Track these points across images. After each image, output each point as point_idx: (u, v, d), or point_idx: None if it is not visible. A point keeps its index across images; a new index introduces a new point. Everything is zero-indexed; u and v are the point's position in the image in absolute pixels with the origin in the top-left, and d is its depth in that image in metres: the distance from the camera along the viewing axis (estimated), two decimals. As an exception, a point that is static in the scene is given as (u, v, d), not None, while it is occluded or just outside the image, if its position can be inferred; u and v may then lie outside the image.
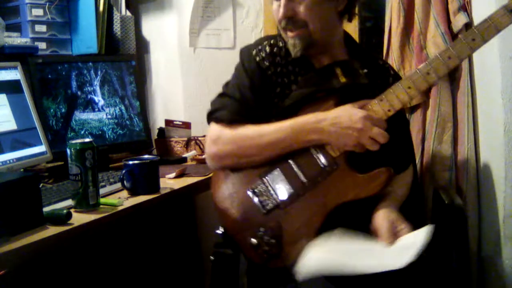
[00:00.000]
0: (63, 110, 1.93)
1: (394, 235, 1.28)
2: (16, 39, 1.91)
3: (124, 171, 1.59)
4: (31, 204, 1.28)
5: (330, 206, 1.34)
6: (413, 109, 1.93)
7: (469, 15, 1.77)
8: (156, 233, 2.11)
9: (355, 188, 1.35)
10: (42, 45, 2.02)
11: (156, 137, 2.26)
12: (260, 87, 1.45)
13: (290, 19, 1.39)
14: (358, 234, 1.28)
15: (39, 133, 1.75)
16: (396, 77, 1.54)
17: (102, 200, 1.48)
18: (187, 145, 2.20)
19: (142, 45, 2.41)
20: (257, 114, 1.44)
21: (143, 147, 2.19)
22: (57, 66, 1.94)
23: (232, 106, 1.45)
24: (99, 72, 2.06)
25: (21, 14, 1.99)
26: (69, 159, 1.42)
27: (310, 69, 1.47)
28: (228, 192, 1.45)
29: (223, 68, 2.49)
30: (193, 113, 2.40)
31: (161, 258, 2.14)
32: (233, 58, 2.55)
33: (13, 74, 1.73)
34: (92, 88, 2.04)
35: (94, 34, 2.11)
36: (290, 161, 1.40)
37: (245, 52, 1.51)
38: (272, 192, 1.39)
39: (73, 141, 1.42)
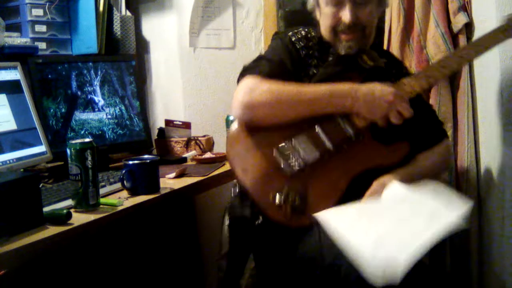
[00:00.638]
0: (63, 110, 1.93)
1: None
2: (16, 39, 1.91)
3: (124, 171, 1.59)
4: (31, 204, 1.28)
5: (353, 172, 1.43)
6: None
7: (469, 15, 1.77)
8: (156, 233, 2.11)
9: (377, 157, 1.45)
10: (42, 45, 2.02)
11: (156, 137, 2.26)
12: (294, 62, 1.54)
13: (352, 24, 1.49)
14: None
15: (39, 133, 1.75)
16: (407, 70, 1.69)
17: (102, 200, 1.48)
18: (187, 145, 2.20)
19: (142, 45, 2.41)
20: (287, 79, 1.48)
21: (143, 147, 2.19)
22: (57, 66, 1.94)
23: (269, 66, 1.51)
24: (99, 72, 2.06)
25: (21, 14, 1.99)
26: (69, 159, 1.42)
27: (335, 53, 1.56)
28: (252, 151, 1.47)
29: (223, 68, 2.51)
30: (193, 113, 2.40)
31: (161, 258, 2.14)
32: (233, 58, 2.58)
33: (13, 74, 1.73)
34: (92, 88, 2.04)
35: (94, 34, 2.11)
36: (317, 128, 1.46)
37: (282, 33, 1.63)
38: (298, 154, 1.44)
39: (73, 141, 1.42)
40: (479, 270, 1.78)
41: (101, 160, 1.67)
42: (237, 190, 1.54)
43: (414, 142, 1.49)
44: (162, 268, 2.14)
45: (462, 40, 1.79)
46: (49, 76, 1.91)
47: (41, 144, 1.75)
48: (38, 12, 2.01)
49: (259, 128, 1.47)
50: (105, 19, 2.17)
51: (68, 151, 1.42)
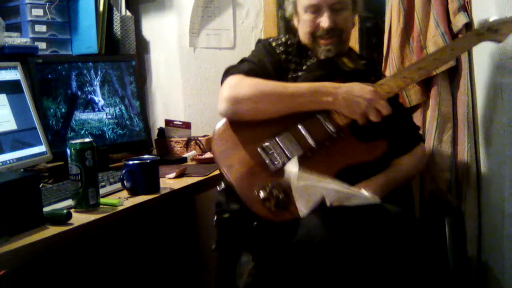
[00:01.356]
0: (63, 110, 1.93)
1: None
2: (16, 39, 1.91)
3: (124, 171, 1.59)
4: (31, 204, 1.28)
5: (336, 167, 1.48)
6: (413, 109, 1.93)
7: (469, 15, 1.77)
8: (156, 233, 2.11)
9: (358, 153, 1.52)
10: (42, 45, 2.02)
11: (156, 137, 2.26)
12: (274, 65, 1.63)
13: (330, 30, 1.60)
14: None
15: (39, 133, 1.75)
16: (383, 74, 1.81)
17: (102, 200, 1.48)
18: (187, 145, 2.20)
19: (142, 45, 2.41)
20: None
21: (143, 147, 2.19)
22: (57, 66, 1.94)
23: (253, 66, 1.61)
24: (99, 72, 2.06)
25: (21, 14, 1.99)
26: (69, 159, 1.42)
27: (315, 57, 1.66)
28: (237, 148, 1.52)
29: (223, 68, 2.48)
30: (193, 113, 2.41)
31: (161, 258, 2.14)
32: (233, 58, 2.56)
33: (13, 74, 1.73)
34: (92, 88, 2.04)
35: (94, 34, 2.11)
36: (299, 126, 1.53)
37: (264, 40, 1.74)
38: (281, 151, 1.50)
39: (73, 141, 1.42)
40: (479, 270, 1.78)
41: (101, 160, 1.67)
42: (222, 187, 1.58)
43: (392, 144, 1.55)
44: (162, 268, 2.14)
45: (462, 40, 1.79)
46: (49, 76, 1.91)
47: (41, 144, 1.75)
48: (38, 12, 2.01)
49: (244, 126, 1.53)
50: (105, 19, 2.17)
51: (68, 151, 1.42)
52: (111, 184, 1.66)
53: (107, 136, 2.05)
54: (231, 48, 2.50)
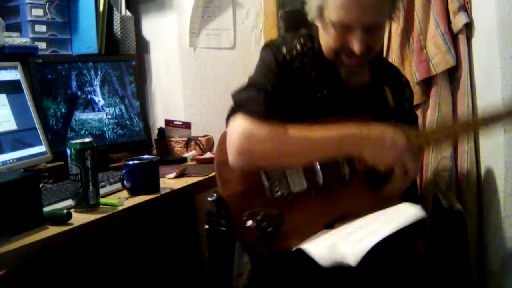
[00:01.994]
0: (63, 110, 1.93)
1: None
2: (16, 39, 1.91)
3: (124, 171, 1.59)
4: (31, 204, 1.28)
5: (337, 214, 1.33)
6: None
7: (469, 15, 1.77)
8: (156, 233, 2.11)
9: (363, 206, 1.33)
10: (42, 45, 2.02)
11: (156, 137, 2.26)
12: (291, 86, 1.38)
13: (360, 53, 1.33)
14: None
15: (39, 133, 1.75)
16: (408, 85, 1.58)
17: (102, 200, 1.48)
18: (187, 145, 2.20)
19: (142, 45, 2.41)
20: (286, 110, 1.35)
21: (143, 147, 2.19)
22: (57, 66, 1.94)
23: (265, 100, 1.33)
24: (99, 72, 2.06)
25: (21, 14, 1.99)
26: (69, 159, 1.42)
27: (336, 74, 1.40)
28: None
29: (223, 68, 2.51)
30: (193, 113, 2.41)
31: (161, 258, 2.14)
32: (233, 58, 2.57)
33: (13, 74, 1.73)
34: (92, 88, 2.04)
35: (94, 34, 2.11)
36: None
37: (275, 49, 1.40)
38: (285, 180, 1.36)
39: (73, 141, 1.42)
40: (479, 270, 1.78)
41: (101, 160, 1.67)
42: (214, 197, 1.46)
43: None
44: (161, 268, 2.14)
45: (462, 40, 1.79)
46: (49, 76, 1.91)
47: (41, 144, 1.75)
48: (38, 12, 2.01)
49: None
50: (105, 19, 2.17)
51: (68, 151, 1.42)
52: (111, 184, 1.66)
53: (107, 136, 2.05)
54: (231, 48, 2.50)
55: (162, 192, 1.64)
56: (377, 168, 1.31)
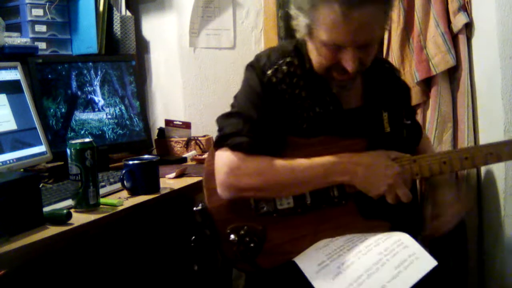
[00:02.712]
0: (63, 110, 1.93)
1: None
2: (16, 39, 1.91)
3: (124, 171, 1.59)
4: (31, 204, 1.28)
5: (323, 235, 1.30)
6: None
7: (469, 15, 1.77)
8: (156, 233, 2.11)
9: (352, 228, 1.30)
10: (42, 45, 2.02)
11: (156, 137, 2.26)
12: (276, 109, 1.33)
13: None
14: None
15: (39, 133, 1.75)
16: (407, 88, 1.54)
17: (102, 200, 1.48)
18: (187, 145, 2.20)
19: (142, 45, 2.41)
20: (273, 137, 1.33)
21: (143, 147, 2.19)
22: (57, 66, 1.94)
23: (250, 131, 1.31)
24: (99, 72, 2.06)
25: (21, 14, 1.99)
26: (69, 159, 1.42)
27: (328, 89, 1.35)
28: None
29: (223, 68, 2.51)
30: (193, 113, 2.41)
31: (161, 258, 2.14)
32: (233, 58, 2.57)
33: (13, 74, 1.73)
34: (92, 88, 2.04)
35: (94, 34, 2.11)
36: None
37: (259, 71, 1.36)
38: (272, 198, 1.34)
39: (73, 141, 1.42)
40: (479, 270, 1.78)
41: (101, 160, 1.67)
42: (199, 208, 1.43)
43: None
44: (161, 268, 2.14)
45: (462, 40, 1.79)
46: (49, 76, 1.91)
47: (41, 144, 1.75)
48: (38, 12, 2.01)
49: None
50: (105, 19, 2.17)
51: (68, 151, 1.42)
52: (111, 184, 1.66)
53: (107, 136, 2.05)
54: (231, 48, 2.50)
55: (162, 192, 1.64)
56: (369, 195, 1.29)
